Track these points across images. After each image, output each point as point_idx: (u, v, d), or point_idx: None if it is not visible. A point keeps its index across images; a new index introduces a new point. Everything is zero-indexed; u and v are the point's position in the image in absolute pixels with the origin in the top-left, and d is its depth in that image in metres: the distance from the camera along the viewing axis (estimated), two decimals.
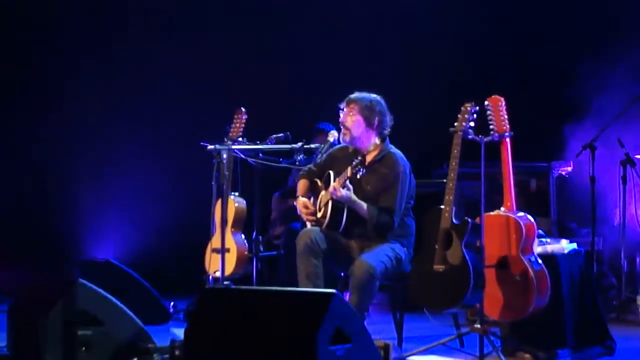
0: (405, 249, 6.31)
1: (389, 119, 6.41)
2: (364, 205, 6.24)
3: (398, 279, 6.26)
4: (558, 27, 9.13)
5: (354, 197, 6.23)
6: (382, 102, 6.42)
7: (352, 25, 9.64)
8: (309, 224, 6.48)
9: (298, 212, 6.58)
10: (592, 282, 6.50)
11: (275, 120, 8.19)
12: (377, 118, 6.36)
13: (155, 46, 9.83)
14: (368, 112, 6.35)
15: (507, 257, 5.94)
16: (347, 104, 6.41)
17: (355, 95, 6.42)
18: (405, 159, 6.39)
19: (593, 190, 7.65)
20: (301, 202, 6.54)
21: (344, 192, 6.19)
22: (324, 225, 6.34)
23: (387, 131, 6.42)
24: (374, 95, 6.42)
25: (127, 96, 9.82)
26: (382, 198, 6.27)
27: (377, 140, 6.40)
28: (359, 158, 6.17)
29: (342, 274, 6.38)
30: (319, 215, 6.44)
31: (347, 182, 6.21)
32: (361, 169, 6.12)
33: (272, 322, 4.57)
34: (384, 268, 6.11)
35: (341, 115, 6.43)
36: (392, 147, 6.43)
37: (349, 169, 6.17)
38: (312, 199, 6.55)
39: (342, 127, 6.43)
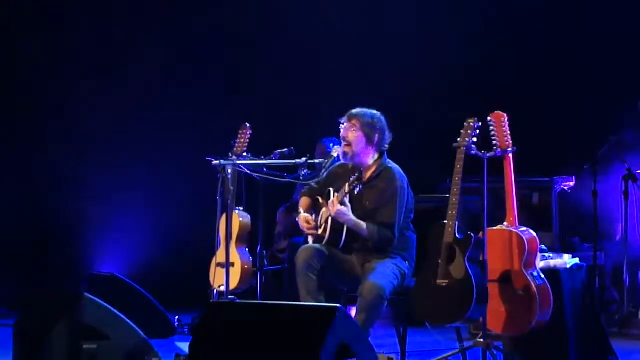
0: (406, 262, 6.31)
1: (388, 136, 6.40)
2: (363, 225, 6.25)
3: (401, 293, 6.27)
4: (559, 42, 9.18)
5: (353, 217, 6.24)
6: (383, 119, 6.40)
7: (355, 41, 9.68)
8: (310, 239, 6.51)
9: (300, 226, 6.60)
10: (594, 297, 6.53)
11: (279, 135, 8.22)
12: (377, 135, 6.34)
13: (162, 63, 9.89)
14: (369, 129, 6.33)
15: (510, 271, 5.95)
16: (349, 119, 6.39)
17: (357, 111, 6.40)
18: (402, 173, 6.38)
19: (595, 205, 7.69)
20: (303, 217, 6.55)
21: (341, 207, 6.22)
22: (324, 241, 6.36)
23: (385, 147, 6.42)
24: (375, 112, 6.41)
25: (133, 112, 9.86)
26: (381, 213, 6.27)
27: (376, 156, 6.41)
28: (356, 174, 6.21)
29: (345, 289, 6.40)
30: (320, 231, 6.46)
31: (346, 198, 6.25)
32: (358, 185, 6.17)
33: (276, 336, 4.60)
34: (393, 287, 6.12)
35: (342, 129, 6.44)
36: (390, 161, 6.43)
37: (347, 185, 6.21)
38: (313, 215, 6.58)
39: (343, 141, 6.42)
